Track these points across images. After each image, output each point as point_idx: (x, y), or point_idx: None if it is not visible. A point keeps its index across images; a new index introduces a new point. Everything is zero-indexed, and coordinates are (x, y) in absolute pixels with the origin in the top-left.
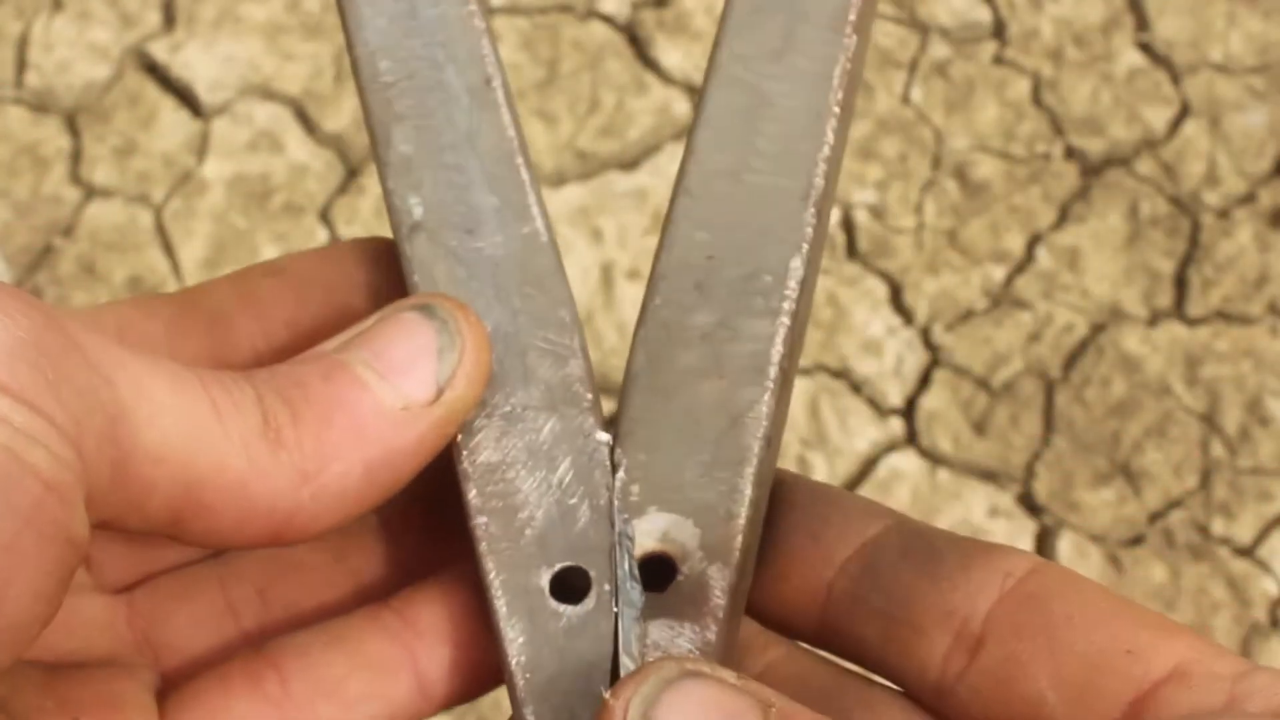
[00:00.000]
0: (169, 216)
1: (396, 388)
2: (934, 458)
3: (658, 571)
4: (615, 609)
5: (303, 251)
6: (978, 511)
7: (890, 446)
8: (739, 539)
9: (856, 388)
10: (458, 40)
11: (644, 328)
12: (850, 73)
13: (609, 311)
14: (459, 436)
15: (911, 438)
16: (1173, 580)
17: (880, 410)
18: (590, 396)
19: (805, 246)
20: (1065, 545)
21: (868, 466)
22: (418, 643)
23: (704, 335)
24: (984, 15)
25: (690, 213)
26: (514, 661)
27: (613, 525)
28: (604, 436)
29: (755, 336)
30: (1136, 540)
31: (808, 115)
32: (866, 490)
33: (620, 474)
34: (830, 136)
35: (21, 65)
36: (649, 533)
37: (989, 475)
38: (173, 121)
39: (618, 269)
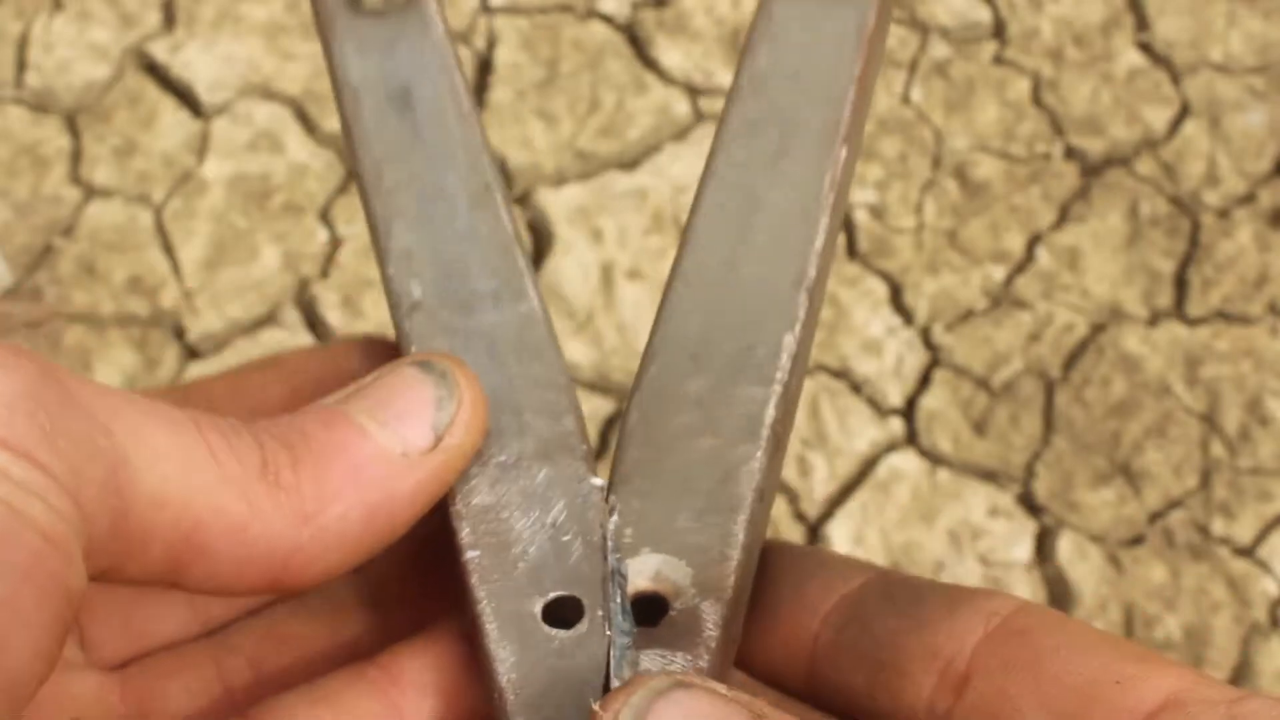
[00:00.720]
0: (169, 216)
1: (396, 434)
2: (934, 458)
3: (650, 608)
4: (608, 632)
5: (300, 348)
6: (978, 511)
7: (890, 446)
8: (732, 578)
9: (856, 388)
10: (459, 154)
11: (639, 393)
12: (841, 181)
13: (609, 312)
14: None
15: (911, 438)
16: (1173, 580)
17: (880, 410)
18: (585, 448)
19: (798, 326)
20: (1065, 545)
21: (868, 466)
22: (403, 698)
23: (698, 400)
24: (984, 15)
25: (685, 298)
26: (504, 679)
27: (606, 559)
28: (598, 481)
29: (749, 400)
30: (1136, 540)
31: (800, 214)
32: (866, 490)
33: (614, 518)
34: (822, 234)
35: (21, 65)
36: (641, 571)
37: (989, 475)
38: (173, 121)
39: (618, 269)
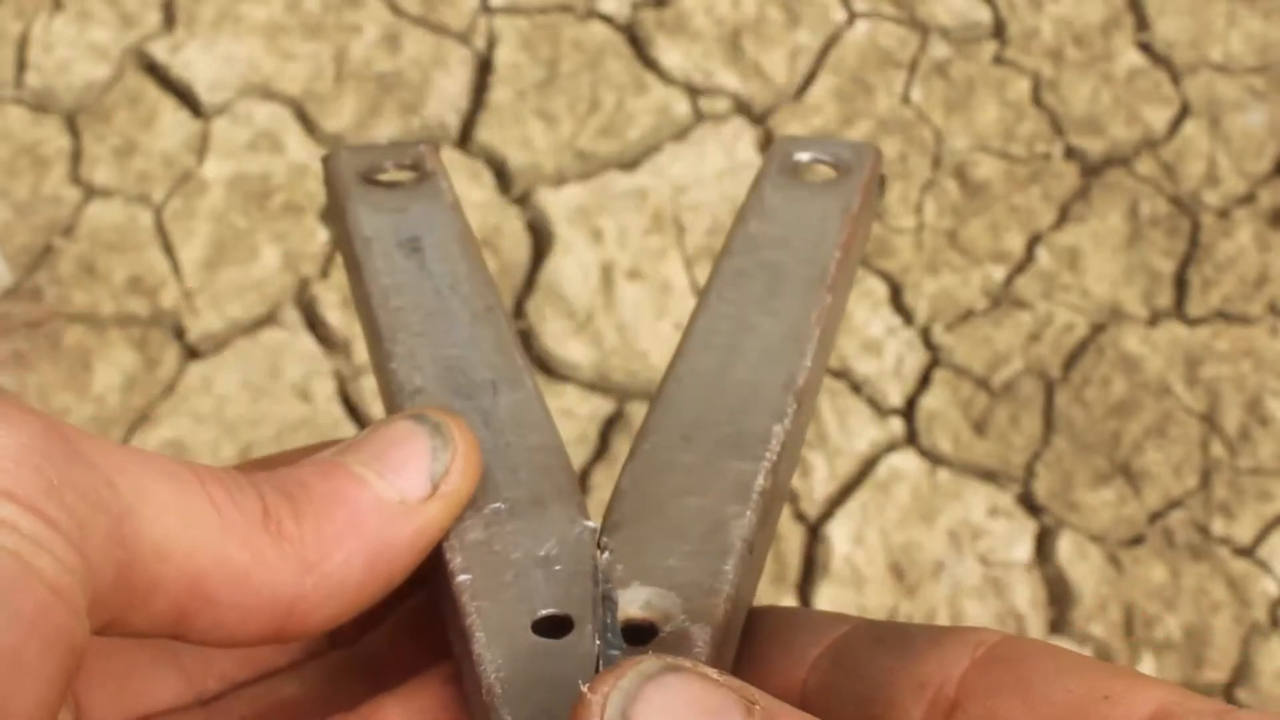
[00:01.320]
0: (169, 216)
1: (394, 484)
2: (934, 458)
3: (640, 633)
4: (597, 643)
5: (293, 449)
6: (978, 511)
7: (890, 446)
8: (722, 608)
9: (856, 388)
10: (464, 285)
11: (632, 462)
12: (827, 321)
13: (609, 312)
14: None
15: (911, 438)
16: (1173, 580)
17: (880, 410)
18: (578, 498)
19: (787, 420)
20: (1065, 545)
21: (868, 466)
22: None
23: (689, 468)
24: (984, 15)
25: (678, 394)
26: (492, 676)
27: (596, 586)
28: (590, 524)
29: (738, 471)
30: (1136, 540)
31: (789, 338)
32: (866, 490)
33: (605, 555)
34: (810, 355)
35: (21, 65)
36: (631, 601)
37: (989, 475)
38: (173, 121)
39: (618, 269)
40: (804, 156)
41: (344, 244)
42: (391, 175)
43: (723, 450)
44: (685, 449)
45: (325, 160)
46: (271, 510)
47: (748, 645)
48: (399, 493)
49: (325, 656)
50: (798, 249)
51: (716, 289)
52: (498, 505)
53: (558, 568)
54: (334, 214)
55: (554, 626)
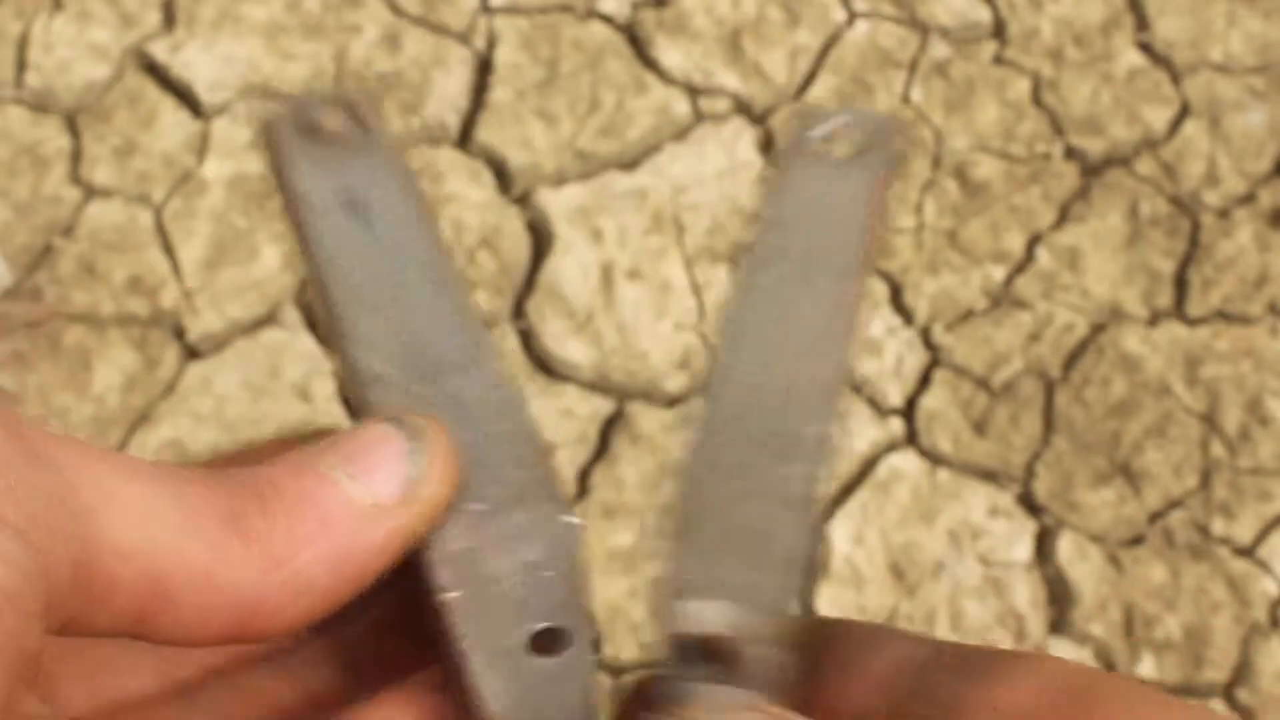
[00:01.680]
0: (169, 216)
1: (366, 486)
2: (934, 458)
3: (705, 650)
4: (593, 656)
5: (273, 439)
6: (978, 511)
7: (890, 446)
8: (787, 625)
9: (856, 388)
10: (419, 252)
11: (688, 467)
12: (857, 306)
13: (609, 311)
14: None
15: (911, 438)
16: (1173, 580)
17: (880, 410)
18: (559, 491)
19: (833, 421)
20: (1065, 545)
21: (868, 466)
22: None
23: (745, 474)
24: (984, 15)
25: (727, 393)
26: (493, 707)
27: (587, 589)
28: (575, 520)
29: (793, 477)
30: (1136, 540)
31: (829, 325)
32: (866, 490)
33: (668, 565)
34: (852, 343)
35: (21, 65)
36: (696, 616)
37: (989, 475)
38: (173, 121)
39: (618, 269)
40: (823, 130)
41: (284, 202)
42: (329, 126)
43: (777, 455)
44: (740, 452)
45: (261, 128)
46: (239, 508)
47: (812, 659)
48: (372, 495)
49: (308, 646)
50: (828, 227)
51: (754, 269)
52: (477, 507)
53: (547, 574)
54: (271, 165)
55: (550, 642)
